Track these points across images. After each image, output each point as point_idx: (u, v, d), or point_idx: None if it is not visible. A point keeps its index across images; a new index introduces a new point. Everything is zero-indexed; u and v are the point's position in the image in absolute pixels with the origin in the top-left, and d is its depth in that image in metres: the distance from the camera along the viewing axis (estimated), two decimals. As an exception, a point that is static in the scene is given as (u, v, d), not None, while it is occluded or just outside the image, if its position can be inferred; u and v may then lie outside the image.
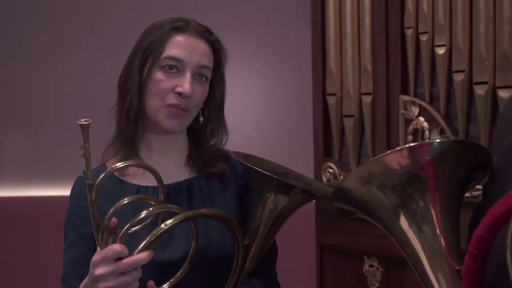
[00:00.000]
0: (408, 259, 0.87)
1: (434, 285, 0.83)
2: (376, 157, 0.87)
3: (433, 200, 0.86)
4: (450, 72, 2.11)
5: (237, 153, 1.26)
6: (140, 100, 1.23)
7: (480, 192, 0.98)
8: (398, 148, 0.84)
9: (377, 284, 2.38)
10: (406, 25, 2.25)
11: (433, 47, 2.15)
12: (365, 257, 2.41)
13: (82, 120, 1.04)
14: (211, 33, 1.28)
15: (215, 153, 1.33)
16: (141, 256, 1.04)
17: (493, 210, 0.75)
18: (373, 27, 2.35)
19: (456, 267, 0.83)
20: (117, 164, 1.09)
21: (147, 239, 1.05)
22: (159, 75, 1.22)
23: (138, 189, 1.25)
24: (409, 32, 2.23)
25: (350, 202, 0.92)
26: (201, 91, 1.25)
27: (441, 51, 2.12)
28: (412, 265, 0.87)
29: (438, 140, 0.85)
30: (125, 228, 1.07)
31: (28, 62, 2.98)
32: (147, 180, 1.24)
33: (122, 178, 1.27)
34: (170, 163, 1.29)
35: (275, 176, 1.14)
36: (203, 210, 1.14)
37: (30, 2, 2.98)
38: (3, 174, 3.01)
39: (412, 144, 0.85)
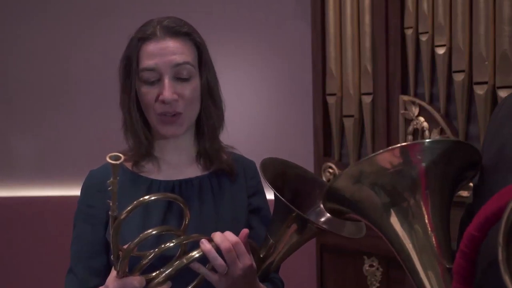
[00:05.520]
0: (399, 258, 0.87)
1: (424, 284, 0.83)
2: (368, 156, 0.87)
3: (424, 199, 0.86)
4: (450, 72, 2.11)
5: (274, 159, 1.27)
6: (140, 113, 1.26)
7: (470, 192, 0.99)
8: (390, 147, 0.85)
9: (377, 284, 2.38)
10: (406, 25, 2.25)
11: (433, 47, 2.15)
12: (365, 257, 2.41)
13: (113, 156, 0.97)
14: (179, 25, 1.25)
15: (222, 150, 1.34)
16: None
17: (485, 209, 0.75)
18: (373, 27, 2.36)
19: (447, 266, 0.83)
20: (145, 197, 1.06)
21: (167, 272, 1.07)
22: (143, 88, 1.23)
23: (152, 183, 1.27)
24: (409, 32, 2.23)
25: (342, 201, 0.93)
26: (188, 90, 1.23)
27: (441, 51, 2.12)
28: (403, 264, 0.87)
29: (429, 140, 0.85)
30: (145, 261, 1.07)
31: (35, 62, 2.99)
32: (160, 176, 1.29)
33: (138, 173, 1.29)
34: (182, 161, 1.32)
35: (297, 211, 1.14)
36: None
37: (30, 2, 2.99)
38: (11, 174, 3.02)
39: (403, 144, 0.85)
